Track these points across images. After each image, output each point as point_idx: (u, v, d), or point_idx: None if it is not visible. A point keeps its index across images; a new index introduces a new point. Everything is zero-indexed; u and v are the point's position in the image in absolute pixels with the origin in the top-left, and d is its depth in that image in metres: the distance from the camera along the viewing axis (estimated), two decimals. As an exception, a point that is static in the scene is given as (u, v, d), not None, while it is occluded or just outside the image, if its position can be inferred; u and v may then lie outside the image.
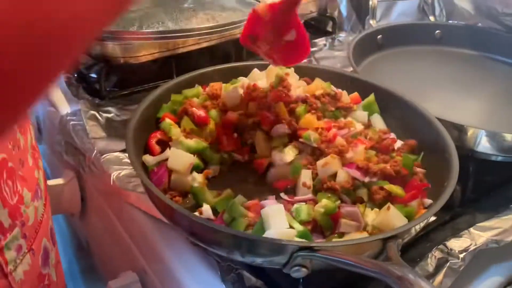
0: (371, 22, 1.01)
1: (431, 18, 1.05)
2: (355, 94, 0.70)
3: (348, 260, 0.43)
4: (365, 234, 0.51)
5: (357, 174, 0.56)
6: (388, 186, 0.55)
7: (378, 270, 0.41)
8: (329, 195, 0.55)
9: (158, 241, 0.62)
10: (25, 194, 0.47)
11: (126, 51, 0.77)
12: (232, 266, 0.54)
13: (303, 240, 0.50)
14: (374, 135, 0.64)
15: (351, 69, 0.81)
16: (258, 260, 0.49)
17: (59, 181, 0.82)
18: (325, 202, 0.53)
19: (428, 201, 0.56)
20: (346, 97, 0.70)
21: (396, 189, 0.55)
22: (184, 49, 0.81)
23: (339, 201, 0.55)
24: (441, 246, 0.57)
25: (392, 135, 0.65)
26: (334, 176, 0.57)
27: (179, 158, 0.58)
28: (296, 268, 0.45)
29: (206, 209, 0.54)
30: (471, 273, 0.57)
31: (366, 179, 0.56)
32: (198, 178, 0.58)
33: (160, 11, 0.80)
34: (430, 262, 0.55)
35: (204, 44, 0.83)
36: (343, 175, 0.56)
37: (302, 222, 0.52)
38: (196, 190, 0.56)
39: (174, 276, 0.58)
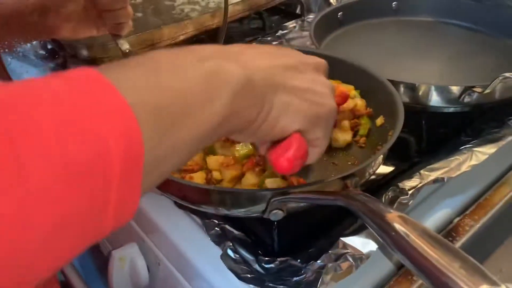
0: (331, 1, 1.00)
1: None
2: None
3: (313, 196, 0.50)
4: None
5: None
6: None
7: (337, 197, 0.47)
8: None
9: (150, 210, 0.66)
10: None
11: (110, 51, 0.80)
12: (215, 222, 0.60)
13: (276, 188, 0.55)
14: None
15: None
16: (242, 211, 0.53)
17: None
18: None
19: None
20: None
21: None
22: (162, 43, 0.86)
23: None
24: (393, 187, 0.62)
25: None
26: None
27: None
28: (274, 212, 0.51)
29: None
30: (425, 207, 0.64)
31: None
32: None
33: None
34: (384, 200, 0.61)
35: (181, 38, 0.87)
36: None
37: None
38: None
39: (167, 238, 0.63)
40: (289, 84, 0.38)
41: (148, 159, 0.26)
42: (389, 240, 0.36)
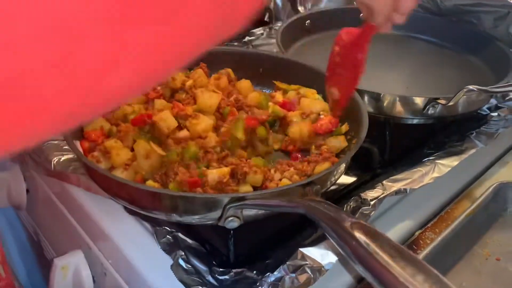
0: (299, 8, 0.98)
1: (356, 2, 1.04)
2: None
3: (271, 202, 0.47)
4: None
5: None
6: None
7: (296, 204, 0.45)
8: None
9: (98, 215, 0.62)
10: None
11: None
12: (167, 230, 0.56)
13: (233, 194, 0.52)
14: None
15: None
16: (196, 218, 0.50)
17: (3, 174, 0.79)
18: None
19: None
20: None
21: None
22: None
23: None
24: (356, 197, 0.60)
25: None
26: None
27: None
28: (230, 219, 0.48)
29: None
30: (387, 219, 0.62)
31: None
32: None
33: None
34: (345, 210, 0.59)
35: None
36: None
37: None
38: None
39: (115, 246, 0.58)
40: None
41: None
42: (349, 249, 0.33)
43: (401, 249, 0.31)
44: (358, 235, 0.33)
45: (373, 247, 0.31)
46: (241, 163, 0.55)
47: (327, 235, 0.37)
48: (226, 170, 0.54)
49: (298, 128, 0.63)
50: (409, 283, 0.28)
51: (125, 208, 0.60)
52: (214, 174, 0.53)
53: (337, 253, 0.50)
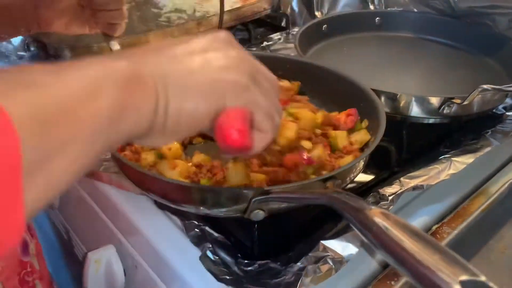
0: (316, 13, 1.02)
1: (371, 7, 1.08)
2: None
3: (295, 195, 0.50)
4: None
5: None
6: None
7: (317, 196, 0.47)
8: None
9: (129, 211, 0.65)
10: None
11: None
12: (195, 223, 0.59)
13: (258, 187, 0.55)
14: None
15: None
16: (223, 211, 0.52)
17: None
18: None
19: None
20: None
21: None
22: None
23: None
24: (374, 193, 0.63)
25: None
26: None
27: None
28: (255, 212, 0.51)
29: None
30: (405, 214, 0.64)
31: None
32: None
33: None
34: None
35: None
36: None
37: None
38: None
39: (145, 240, 0.62)
40: (179, 64, 0.33)
41: (27, 159, 0.24)
42: (370, 235, 0.36)
43: (419, 233, 0.34)
44: (379, 220, 0.36)
45: (393, 231, 0.34)
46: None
47: (350, 223, 0.40)
48: (262, 177, 0.57)
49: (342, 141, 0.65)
50: (426, 260, 0.31)
51: (155, 203, 0.64)
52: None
53: (359, 244, 0.53)
